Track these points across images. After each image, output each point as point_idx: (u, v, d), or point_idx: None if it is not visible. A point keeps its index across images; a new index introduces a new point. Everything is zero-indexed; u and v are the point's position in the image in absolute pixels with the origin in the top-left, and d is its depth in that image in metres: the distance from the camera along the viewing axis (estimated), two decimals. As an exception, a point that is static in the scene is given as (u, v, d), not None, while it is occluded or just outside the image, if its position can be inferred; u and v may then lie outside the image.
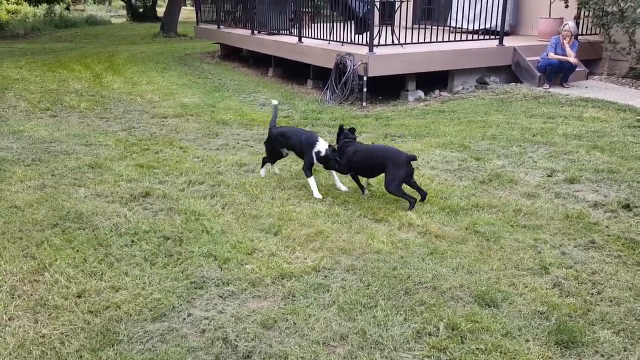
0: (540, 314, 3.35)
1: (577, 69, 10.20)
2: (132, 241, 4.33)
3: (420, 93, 10.05)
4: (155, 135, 7.55)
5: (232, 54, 15.66)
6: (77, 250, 4.18)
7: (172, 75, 12.67)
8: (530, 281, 3.72)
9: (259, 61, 13.87)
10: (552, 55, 9.86)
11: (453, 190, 5.35)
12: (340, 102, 9.56)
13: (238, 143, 7.17)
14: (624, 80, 10.68)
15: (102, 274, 3.86)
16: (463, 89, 10.36)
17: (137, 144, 7.04)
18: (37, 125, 7.98)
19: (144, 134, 7.57)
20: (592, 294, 3.58)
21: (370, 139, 7.27)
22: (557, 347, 3.07)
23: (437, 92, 10.24)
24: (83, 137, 7.39)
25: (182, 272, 3.85)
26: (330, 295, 3.59)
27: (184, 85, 11.40)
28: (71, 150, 6.79)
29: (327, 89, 9.92)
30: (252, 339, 3.13)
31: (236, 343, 3.10)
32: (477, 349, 3.03)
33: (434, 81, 10.25)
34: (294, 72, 12.08)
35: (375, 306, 3.45)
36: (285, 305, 3.49)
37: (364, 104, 9.46)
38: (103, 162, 6.30)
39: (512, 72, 10.61)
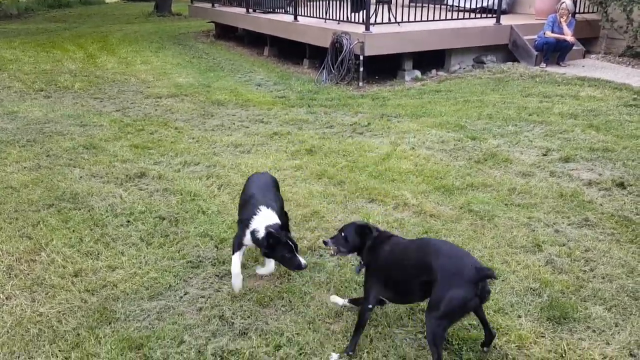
0: (533, 290, 3.39)
1: (574, 48, 10.14)
2: (128, 221, 4.34)
3: (417, 73, 9.99)
4: (150, 115, 7.51)
5: (227, 33, 15.50)
6: (73, 230, 4.19)
7: (166, 54, 12.55)
8: (524, 259, 3.75)
9: (254, 40, 13.74)
10: (549, 33, 9.79)
11: (448, 170, 5.36)
12: (337, 82, 9.51)
13: (233, 124, 7.14)
14: (621, 59, 10.63)
15: (98, 254, 3.87)
16: (460, 68, 10.30)
17: (132, 125, 7.01)
18: (32, 106, 7.93)
19: (139, 115, 7.53)
20: (585, 271, 3.62)
21: (367, 119, 7.25)
22: (549, 322, 3.11)
23: (434, 71, 10.18)
24: (77, 118, 7.35)
25: (178, 252, 3.88)
26: (325, 273, 3.62)
27: (179, 65, 11.31)
28: (66, 130, 6.76)
29: (323, 68, 9.85)
30: (248, 317, 3.16)
31: (232, 320, 3.13)
32: (469, 324, 3.07)
33: (431, 60, 10.19)
34: (290, 51, 11.98)
35: (370, 284, 3.47)
36: (281, 284, 3.52)
37: (360, 83, 9.40)
38: (98, 142, 6.27)
39: (509, 51, 10.54)
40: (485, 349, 2.87)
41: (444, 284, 2.54)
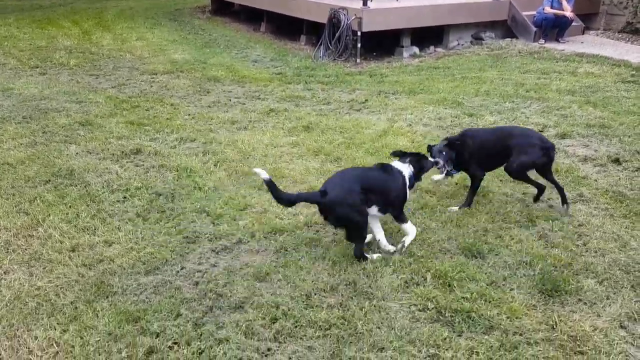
0: (526, 264, 3.43)
1: (573, 24, 10.07)
2: (124, 197, 4.36)
3: (415, 49, 9.92)
4: (146, 92, 7.47)
5: (223, 8, 15.31)
6: (70, 206, 4.21)
7: (162, 31, 12.42)
8: (517, 233, 3.79)
9: (251, 16, 13.58)
10: (548, 9, 9.71)
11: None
12: (334, 59, 9.44)
13: (230, 100, 7.11)
14: (620, 35, 10.57)
15: (95, 229, 3.89)
16: (458, 44, 10.23)
17: (128, 101, 6.97)
18: (27, 83, 7.86)
19: (134, 91, 7.49)
20: (578, 245, 3.66)
21: (365, 96, 7.22)
22: (541, 295, 3.15)
23: (432, 48, 10.11)
24: (73, 95, 7.30)
25: (174, 228, 3.90)
26: (321, 249, 3.65)
27: (174, 41, 11.20)
28: (61, 107, 6.72)
29: (320, 44, 9.77)
30: (244, 291, 3.20)
31: (229, 294, 3.17)
32: (462, 297, 3.11)
33: (429, 37, 10.11)
34: (287, 27, 11.86)
35: (365, 259, 3.51)
36: (277, 258, 3.55)
37: (358, 60, 9.34)
38: (93, 119, 6.25)
39: (508, 27, 10.46)
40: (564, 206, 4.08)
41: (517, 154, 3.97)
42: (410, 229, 3.64)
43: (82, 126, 6.03)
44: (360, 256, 3.45)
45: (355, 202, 3.32)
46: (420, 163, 3.76)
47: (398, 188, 3.56)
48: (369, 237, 3.64)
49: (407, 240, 3.61)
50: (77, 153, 5.27)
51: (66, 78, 8.23)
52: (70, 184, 4.59)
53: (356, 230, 3.40)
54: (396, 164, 3.71)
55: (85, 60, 9.40)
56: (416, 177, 3.74)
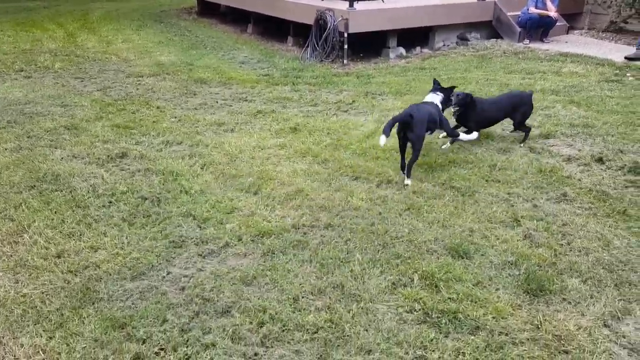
0: (511, 264, 3.47)
1: (557, 24, 10.16)
2: (110, 202, 4.33)
3: (402, 50, 9.95)
4: (132, 94, 7.42)
5: (209, 10, 15.26)
6: (55, 212, 4.18)
7: (147, 32, 12.35)
8: (502, 233, 3.82)
9: (237, 18, 13.55)
10: (532, 9, 9.79)
11: (431, 147, 5.40)
12: (322, 60, 9.45)
13: (217, 102, 7.09)
14: (604, 35, 10.68)
15: (80, 235, 3.87)
16: (444, 45, 10.28)
17: (113, 104, 6.93)
18: (12, 87, 7.79)
19: (120, 94, 7.45)
20: (562, 244, 3.70)
21: (352, 97, 7.24)
22: (526, 295, 3.19)
23: (418, 49, 10.15)
24: (58, 98, 7.24)
25: (160, 232, 3.88)
26: (309, 251, 3.65)
27: (160, 43, 11.14)
28: (46, 111, 6.66)
29: (307, 46, 9.78)
30: (231, 295, 3.19)
31: (215, 299, 3.16)
32: (449, 298, 3.13)
33: (416, 38, 10.15)
34: (274, 28, 11.85)
35: (353, 261, 3.53)
36: (264, 262, 3.55)
37: (345, 61, 9.36)
38: (79, 123, 6.20)
39: (493, 27, 10.54)
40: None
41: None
42: (467, 137, 5.12)
43: (68, 130, 5.99)
44: (414, 162, 4.69)
45: (426, 124, 4.69)
46: (445, 92, 5.14)
47: (438, 113, 4.91)
48: None
49: (466, 137, 5.14)
50: (62, 157, 5.23)
51: (51, 81, 8.16)
52: (56, 189, 4.55)
53: (419, 144, 4.66)
54: (429, 96, 5.08)
55: (70, 63, 9.33)
56: (444, 103, 5.11)
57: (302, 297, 3.19)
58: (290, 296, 3.19)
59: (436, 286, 3.25)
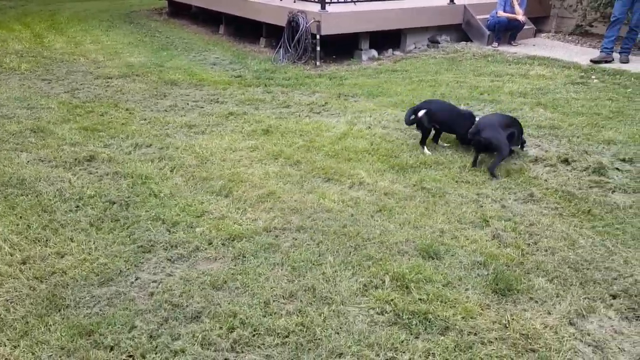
0: (480, 264, 3.51)
1: (525, 27, 10.36)
2: (77, 206, 4.24)
3: (374, 52, 10.01)
4: (100, 96, 7.29)
5: (181, 10, 15.10)
6: (20, 217, 4.07)
7: (117, 33, 12.16)
8: (472, 234, 3.87)
9: (209, 19, 13.44)
10: (501, 13, 9.96)
11: (403, 149, 5.44)
12: (294, 62, 9.44)
13: (187, 104, 7.02)
14: (570, 38, 10.94)
15: (46, 240, 3.78)
16: (415, 48, 10.38)
17: (81, 106, 6.79)
18: (-26, 88, 7.57)
19: (88, 96, 7.31)
20: (529, 244, 3.77)
21: (324, 99, 7.25)
22: (495, 295, 3.23)
23: (390, 51, 10.23)
24: (24, 100, 7.07)
25: (129, 237, 3.82)
26: (280, 254, 3.64)
27: (130, 44, 10.98)
28: (12, 114, 6.50)
29: (280, 47, 9.75)
30: (200, 300, 3.16)
31: (185, 304, 3.13)
32: (419, 299, 3.16)
33: (388, 40, 10.23)
34: (246, 30, 11.79)
35: (325, 263, 3.53)
36: (235, 265, 3.52)
37: (317, 63, 9.37)
38: (46, 125, 6.06)
39: (463, 30, 10.69)
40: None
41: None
42: None
43: (34, 133, 5.85)
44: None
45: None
46: None
47: None
48: None
49: None
50: (28, 161, 5.10)
51: (17, 83, 7.97)
52: (21, 194, 4.44)
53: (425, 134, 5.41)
54: None
55: (37, 65, 9.12)
56: None
57: (273, 301, 3.17)
58: (261, 300, 3.17)
59: (407, 287, 3.27)
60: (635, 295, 3.23)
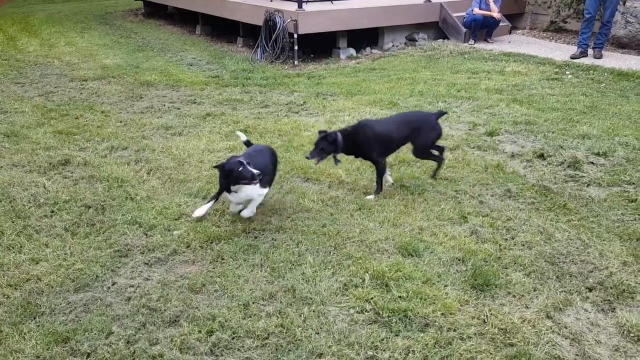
0: (458, 260, 3.54)
1: (500, 24, 10.48)
2: (52, 211, 4.17)
3: (352, 51, 10.03)
4: (75, 99, 7.18)
5: (157, 11, 14.96)
6: (-7, 224, 3.98)
7: (92, 35, 11.99)
8: (450, 230, 3.90)
9: (185, 19, 13.33)
10: (476, 10, 10.05)
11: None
12: (272, 61, 9.41)
13: (164, 105, 6.94)
14: (545, 34, 11.09)
15: (20, 247, 3.70)
16: (393, 46, 10.42)
17: (56, 110, 6.67)
18: (-57, 93, 7.40)
19: (63, 99, 7.18)
20: (506, 239, 3.80)
21: (303, 98, 7.23)
22: (473, 290, 3.25)
23: (368, 49, 10.26)
24: (-4, 104, 6.93)
25: (105, 241, 3.76)
26: (260, 255, 3.62)
27: (105, 45, 10.83)
28: (-17, 118, 6.36)
29: (257, 47, 9.71)
30: (178, 304, 3.12)
31: (162, 309, 3.08)
32: (399, 296, 3.16)
33: (365, 38, 10.25)
34: (223, 29, 11.72)
35: (304, 263, 3.51)
36: (214, 268, 3.49)
37: (295, 62, 9.35)
38: (19, 130, 5.95)
39: (439, 28, 10.76)
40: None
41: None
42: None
43: (7, 137, 5.73)
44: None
45: None
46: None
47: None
48: None
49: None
50: (1, 166, 5.00)
51: (-12, 86, 7.80)
52: (-7, 200, 4.34)
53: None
54: None
55: (10, 68, 8.96)
56: None
57: (253, 303, 3.15)
58: (240, 302, 3.15)
59: (387, 285, 3.28)
60: (611, 288, 3.28)
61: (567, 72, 8.11)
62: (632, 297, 3.20)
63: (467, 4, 10.48)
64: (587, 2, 8.83)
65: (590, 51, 8.99)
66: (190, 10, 12.45)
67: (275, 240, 3.80)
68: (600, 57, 8.86)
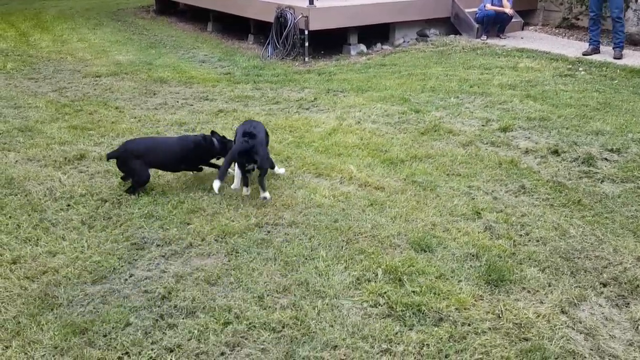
0: (472, 256, 3.54)
1: (513, 20, 10.42)
2: (68, 205, 4.22)
3: (363, 47, 10.02)
4: (89, 95, 7.24)
5: (168, 8, 15.01)
6: (10, 217, 4.04)
7: (104, 31, 12.07)
8: (464, 226, 3.90)
9: (197, 16, 13.37)
10: (489, 6, 10.01)
11: (393, 143, 5.45)
12: (283, 58, 9.42)
13: (177, 102, 6.99)
14: (557, 30, 11.01)
15: (37, 240, 3.75)
16: (404, 41, 10.40)
17: (70, 105, 6.74)
18: (-41, 89, 7.49)
19: (77, 95, 7.25)
20: (521, 235, 3.80)
21: (314, 94, 7.24)
22: (487, 285, 3.26)
23: (378, 45, 10.24)
24: (11, 100, 7.00)
25: (122, 234, 3.80)
26: (273, 249, 3.64)
27: (118, 42, 10.90)
28: (-2, 113, 6.44)
29: (268, 44, 9.73)
30: (195, 296, 3.15)
31: (179, 300, 3.12)
32: (412, 291, 3.17)
33: (376, 34, 10.24)
34: (234, 26, 11.75)
35: (317, 257, 3.53)
36: (228, 261, 3.52)
37: (306, 58, 9.36)
38: (33, 125, 6.01)
39: (451, 24, 10.72)
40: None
41: None
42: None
43: (22, 132, 5.80)
44: None
45: None
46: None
47: None
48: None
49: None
50: (16, 161, 5.06)
51: (3, 82, 7.89)
52: (10, 194, 4.40)
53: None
54: None
55: (23, 64, 9.04)
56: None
57: (267, 295, 3.18)
58: (255, 295, 3.17)
59: (400, 280, 3.29)
60: (625, 283, 3.27)
61: (579, 69, 8.06)
62: (647, 293, 3.19)
63: (479, -1, 10.43)
64: (590, 1, 8.76)
65: (609, 50, 8.76)
66: (202, 7, 12.49)
67: (288, 234, 3.82)
68: (620, 57, 8.49)
